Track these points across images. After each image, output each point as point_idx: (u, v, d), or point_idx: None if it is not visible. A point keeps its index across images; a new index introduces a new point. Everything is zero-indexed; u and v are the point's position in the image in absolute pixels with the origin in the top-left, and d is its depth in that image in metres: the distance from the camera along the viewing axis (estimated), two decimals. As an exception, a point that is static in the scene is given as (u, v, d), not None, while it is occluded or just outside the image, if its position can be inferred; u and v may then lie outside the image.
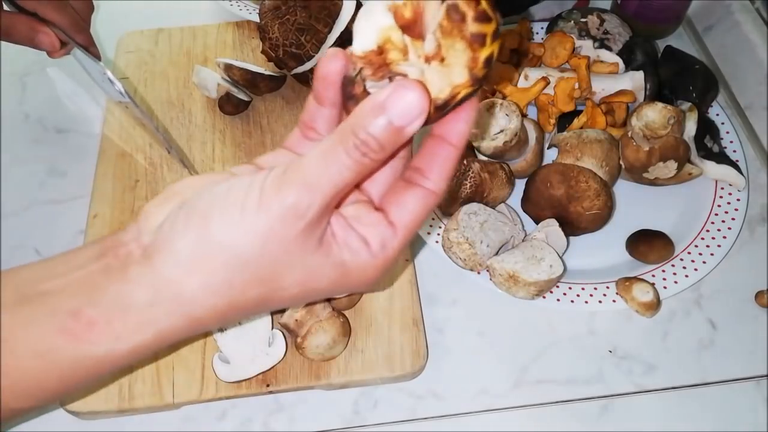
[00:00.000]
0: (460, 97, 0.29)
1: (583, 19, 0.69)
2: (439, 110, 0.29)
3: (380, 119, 0.28)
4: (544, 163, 0.63)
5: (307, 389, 0.53)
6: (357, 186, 0.35)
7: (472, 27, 0.27)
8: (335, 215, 0.33)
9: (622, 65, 0.67)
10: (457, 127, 0.32)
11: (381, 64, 0.29)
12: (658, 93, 0.64)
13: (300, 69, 0.66)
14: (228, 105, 0.68)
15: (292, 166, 0.30)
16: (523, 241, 0.57)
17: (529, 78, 0.66)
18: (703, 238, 0.59)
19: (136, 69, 0.73)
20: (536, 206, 0.59)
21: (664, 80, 0.66)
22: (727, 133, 0.66)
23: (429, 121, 0.29)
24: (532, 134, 0.61)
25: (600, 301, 0.56)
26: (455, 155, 0.33)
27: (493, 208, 0.58)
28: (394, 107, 0.28)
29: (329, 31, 0.63)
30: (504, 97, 0.65)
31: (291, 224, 0.29)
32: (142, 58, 0.74)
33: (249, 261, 0.30)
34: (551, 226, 0.57)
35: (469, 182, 0.57)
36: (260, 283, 0.31)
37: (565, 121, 0.64)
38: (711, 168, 0.61)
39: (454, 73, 0.28)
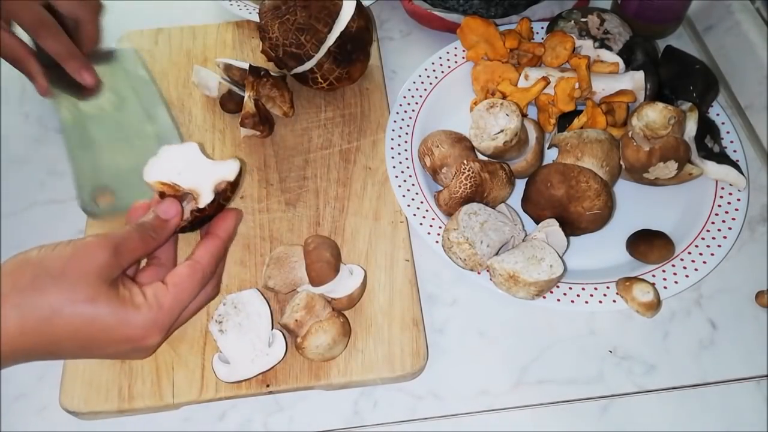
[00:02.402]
0: (207, 212, 0.49)
1: (583, 19, 0.69)
2: (200, 212, 0.49)
3: (150, 213, 0.48)
4: (545, 163, 0.63)
5: (307, 389, 0.53)
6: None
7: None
8: (127, 278, 0.46)
9: (622, 65, 0.67)
10: (224, 224, 0.51)
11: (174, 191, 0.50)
12: (658, 93, 0.64)
13: (300, 69, 0.66)
14: (230, 103, 0.68)
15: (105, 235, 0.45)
16: (523, 241, 0.57)
17: (529, 78, 0.66)
18: (703, 238, 0.59)
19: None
20: (536, 206, 0.59)
21: (665, 80, 0.66)
22: (728, 133, 0.66)
23: (196, 221, 0.50)
24: (532, 134, 0.61)
25: (600, 302, 0.56)
26: (219, 242, 0.50)
27: (493, 208, 0.58)
28: (158, 208, 0.48)
29: (329, 31, 0.63)
30: (504, 97, 0.65)
31: (93, 261, 0.43)
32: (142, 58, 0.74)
33: (51, 269, 0.42)
34: (551, 226, 0.57)
35: (469, 182, 0.57)
36: (54, 286, 0.42)
37: (565, 121, 0.64)
38: (711, 168, 0.61)
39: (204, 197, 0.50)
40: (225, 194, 0.50)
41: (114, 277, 0.44)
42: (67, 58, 0.63)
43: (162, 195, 0.49)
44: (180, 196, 0.49)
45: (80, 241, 0.44)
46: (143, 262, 0.51)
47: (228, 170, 0.50)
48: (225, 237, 0.51)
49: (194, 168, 0.50)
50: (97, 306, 0.43)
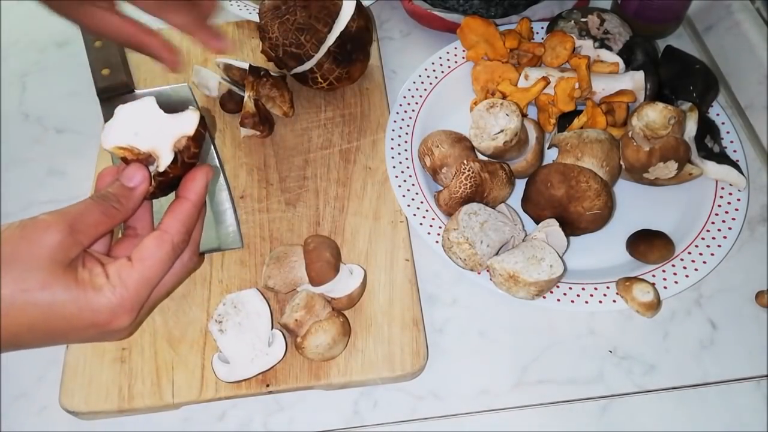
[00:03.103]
0: (170, 174, 0.44)
1: (583, 19, 0.69)
2: (163, 175, 0.43)
3: (116, 181, 0.43)
4: (545, 163, 0.63)
5: (307, 389, 0.53)
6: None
7: None
8: (91, 257, 0.42)
9: (622, 65, 0.67)
10: (192, 185, 0.45)
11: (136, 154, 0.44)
12: (658, 93, 0.64)
13: (300, 69, 0.66)
14: (230, 102, 0.68)
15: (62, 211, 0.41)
16: (523, 241, 0.57)
17: (529, 78, 0.66)
18: (703, 238, 0.59)
19: (136, 69, 0.73)
20: (536, 206, 0.59)
21: (665, 80, 0.66)
22: (728, 133, 0.66)
23: (163, 185, 0.44)
24: (532, 134, 0.61)
25: (600, 301, 0.56)
26: (189, 205, 0.44)
27: (493, 208, 0.58)
28: (123, 174, 0.43)
29: (329, 31, 0.63)
30: (504, 97, 0.65)
31: (45, 243, 0.39)
32: (142, 58, 0.74)
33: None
34: (551, 226, 0.57)
35: (469, 182, 0.57)
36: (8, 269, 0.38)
37: (565, 121, 0.64)
38: (711, 168, 0.61)
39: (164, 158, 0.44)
40: (188, 151, 0.44)
41: (71, 257, 0.40)
42: (196, 29, 0.57)
43: (125, 161, 0.44)
44: (144, 159, 0.44)
45: (31, 220, 0.40)
46: (119, 233, 0.47)
47: (187, 123, 0.44)
48: (194, 199, 0.45)
49: (152, 126, 0.44)
50: (52, 292, 0.39)
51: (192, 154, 0.45)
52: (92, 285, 0.40)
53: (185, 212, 0.44)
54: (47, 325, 0.40)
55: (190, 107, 0.45)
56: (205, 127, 0.45)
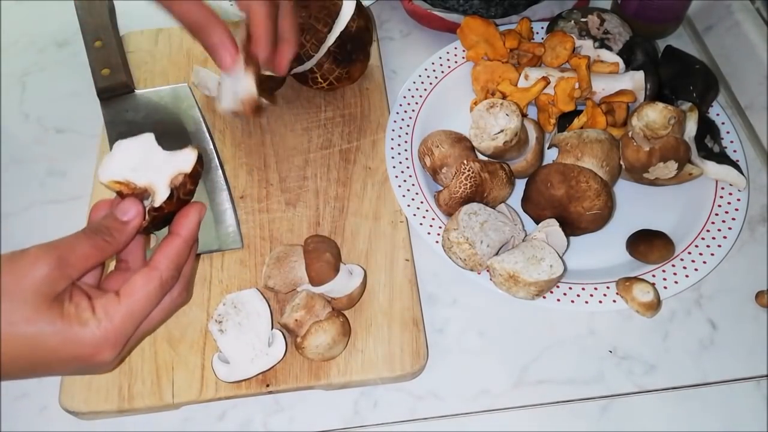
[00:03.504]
0: (165, 209, 0.44)
1: (583, 19, 0.69)
2: (158, 210, 0.44)
3: (110, 214, 0.43)
4: (545, 163, 0.63)
5: (307, 389, 0.53)
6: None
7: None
8: (79, 290, 0.42)
9: (622, 65, 0.67)
10: (185, 221, 0.45)
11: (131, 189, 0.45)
12: (658, 93, 0.64)
13: (300, 69, 0.65)
14: None
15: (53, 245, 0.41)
16: (523, 241, 0.57)
17: (529, 78, 0.66)
18: (703, 238, 0.59)
19: (136, 69, 0.73)
20: (536, 206, 0.59)
21: (665, 80, 0.66)
22: (728, 133, 0.66)
23: (156, 221, 0.44)
24: (532, 134, 0.61)
25: (600, 302, 0.56)
26: (180, 242, 0.44)
27: (493, 208, 0.58)
28: (117, 208, 0.43)
29: (329, 31, 0.63)
30: (504, 97, 0.65)
31: (32, 276, 0.39)
32: (142, 58, 0.74)
33: None
34: (551, 226, 0.57)
35: (469, 182, 0.57)
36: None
37: (565, 121, 0.64)
38: (711, 168, 0.61)
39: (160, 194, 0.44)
40: (184, 188, 0.45)
41: (58, 291, 0.40)
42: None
43: (121, 195, 0.44)
44: (140, 194, 0.44)
45: (20, 253, 0.40)
46: (112, 266, 0.47)
47: (184, 161, 0.45)
48: (186, 235, 0.45)
49: (149, 162, 0.45)
50: (37, 326, 0.39)
51: (188, 191, 0.45)
52: (78, 319, 0.40)
53: (176, 249, 0.44)
54: (31, 358, 0.40)
55: (189, 146, 0.45)
56: (202, 165, 0.46)
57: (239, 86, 0.52)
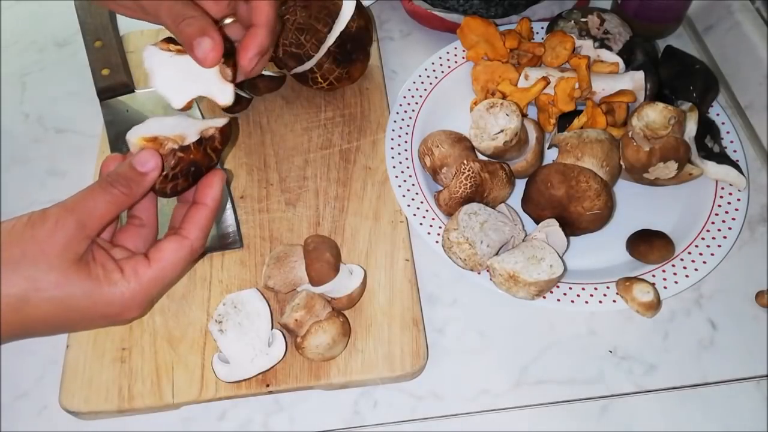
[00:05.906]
0: (192, 156, 0.44)
1: (583, 19, 0.69)
2: (184, 151, 0.44)
3: (126, 162, 0.43)
4: (545, 163, 0.63)
5: (307, 389, 0.53)
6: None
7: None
8: (100, 249, 0.43)
9: (622, 65, 0.67)
10: (211, 191, 0.45)
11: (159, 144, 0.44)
12: (658, 93, 0.64)
13: (300, 69, 0.66)
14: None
15: (67, 203, 0.42)
16: (523, 241, 0.57)
17: (529, 78, 0.66)
18: (703, 238, 0.59)
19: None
20: (536, 206, 0.59)
21: (665, 80, 0.66)
22: (728, 133, 0.66)
23: (180, 169, 0.44)
24: (532, 134, 0.61)
25: (600, 302, 0.56)
26: (207, 212, 0.45)
27: (493, 208, 0.58)
28: (135, 158, 0.42)
29: (329, 31, 0.63)
30: (504, 97, 0.65)
31: (55, 241, 0.40)
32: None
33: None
34: (551, 226, 0.57)
35: (469, 182, 0.57)
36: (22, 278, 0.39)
37: (565, 121, 0.64)
38: (711, 168, 0.61)
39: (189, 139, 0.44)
40: (213, 142, 0.45)
41: (81, 252, 0.41)
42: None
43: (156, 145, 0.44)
44: (163, 153, 0.44)
45: (39, 216, 0.41)
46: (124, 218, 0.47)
47: (216, 121, 0.46)
48: (212, 205, 0.46)
49: (181, 124, 0.46)
50: (66, 289, 0.40)
51: (215, 147, 0.45)
52: (107, 280, 0.41)
53: (206, 218, 0.45)
54: (61, 318, 0.41)
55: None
56: (232, 130, 0.46)
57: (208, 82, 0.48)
